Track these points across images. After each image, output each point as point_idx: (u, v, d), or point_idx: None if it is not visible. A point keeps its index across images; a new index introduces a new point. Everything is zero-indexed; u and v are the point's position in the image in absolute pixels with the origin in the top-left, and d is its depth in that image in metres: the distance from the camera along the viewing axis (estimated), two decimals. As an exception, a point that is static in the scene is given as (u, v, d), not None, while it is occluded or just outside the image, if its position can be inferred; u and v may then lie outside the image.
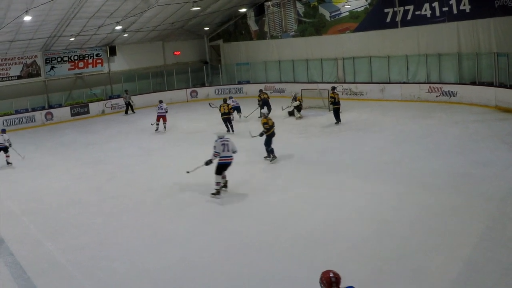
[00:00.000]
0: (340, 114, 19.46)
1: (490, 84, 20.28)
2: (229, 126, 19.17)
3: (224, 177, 11.71)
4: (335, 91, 20.00)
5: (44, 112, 25.82)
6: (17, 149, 17.04)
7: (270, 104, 21.60)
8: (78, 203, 11.99)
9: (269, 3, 29.63)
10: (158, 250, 8.84)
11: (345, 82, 26.31)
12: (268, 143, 14.30)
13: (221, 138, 11.52)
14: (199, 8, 24.10)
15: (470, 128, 16.77)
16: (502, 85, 19.65)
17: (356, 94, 25.50)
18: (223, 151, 11.36)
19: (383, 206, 10.15)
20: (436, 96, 22.25)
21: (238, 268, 7.99)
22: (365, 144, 15.82)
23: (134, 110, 27.39)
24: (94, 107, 27.69)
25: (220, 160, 11.40)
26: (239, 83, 31.10)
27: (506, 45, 19.57)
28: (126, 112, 27.24)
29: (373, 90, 24.80)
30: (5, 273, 8.26)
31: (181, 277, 7.83)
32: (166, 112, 20.82)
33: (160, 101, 21.37)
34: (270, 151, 14.36)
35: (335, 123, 19.25)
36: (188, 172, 12.02)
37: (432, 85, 22.57)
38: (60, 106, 26.83)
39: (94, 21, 23.42)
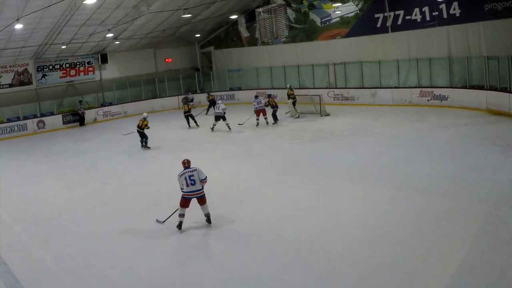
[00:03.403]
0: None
1: (481, 88, 20.41)
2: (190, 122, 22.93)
3: None
4: (272, 97, 22.13)
5: (36, 120, 25.65)
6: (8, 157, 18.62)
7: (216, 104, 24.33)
8: (70, 210, 11.91)
9: (260, 9, 29.73)
10: (150, 257, 8.78)
11: (336, 88, 26.37)
12: None
13: None
14: (190, 15, 24.13)
15: (462, 131, 16.85)
16: (492, 88, 19.77)
17: (347, 99, 25.57)
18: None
19: (376, 211, 10.17)
20: (428, 100, 22.37)
21: (231, 272, 7.96)
22: (358, 148, 15.85)
23: (85, 123, 27.07)
24: (86, 115, 27.45)
25: None
26: (231, 89, 31.09)
27: (496, 49, 19.72)
28: (82, 124, 26.89)
29: (365, 95, 24.88)
30: (-2, 282, 8.19)
31: (173, 283, 7.80)
32: (262, 105, 21.67)
33: (256, 96, 22.52)
34: None
35: (274, 123, 21.62)
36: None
37: (423, 89, 22.67)
38: (52, 114, 26.66)
39: (85, 28, 23.36)
